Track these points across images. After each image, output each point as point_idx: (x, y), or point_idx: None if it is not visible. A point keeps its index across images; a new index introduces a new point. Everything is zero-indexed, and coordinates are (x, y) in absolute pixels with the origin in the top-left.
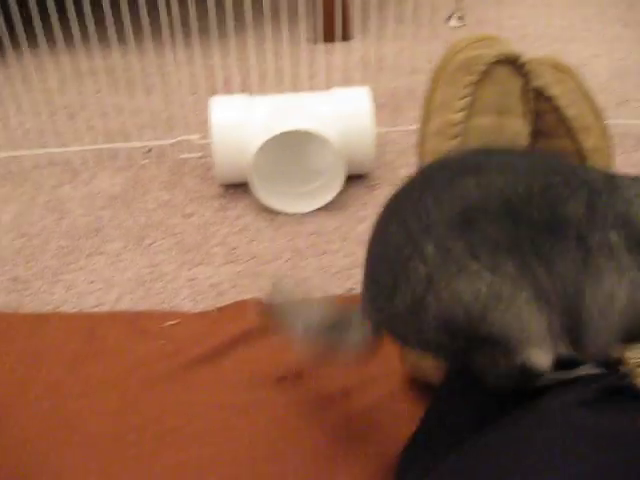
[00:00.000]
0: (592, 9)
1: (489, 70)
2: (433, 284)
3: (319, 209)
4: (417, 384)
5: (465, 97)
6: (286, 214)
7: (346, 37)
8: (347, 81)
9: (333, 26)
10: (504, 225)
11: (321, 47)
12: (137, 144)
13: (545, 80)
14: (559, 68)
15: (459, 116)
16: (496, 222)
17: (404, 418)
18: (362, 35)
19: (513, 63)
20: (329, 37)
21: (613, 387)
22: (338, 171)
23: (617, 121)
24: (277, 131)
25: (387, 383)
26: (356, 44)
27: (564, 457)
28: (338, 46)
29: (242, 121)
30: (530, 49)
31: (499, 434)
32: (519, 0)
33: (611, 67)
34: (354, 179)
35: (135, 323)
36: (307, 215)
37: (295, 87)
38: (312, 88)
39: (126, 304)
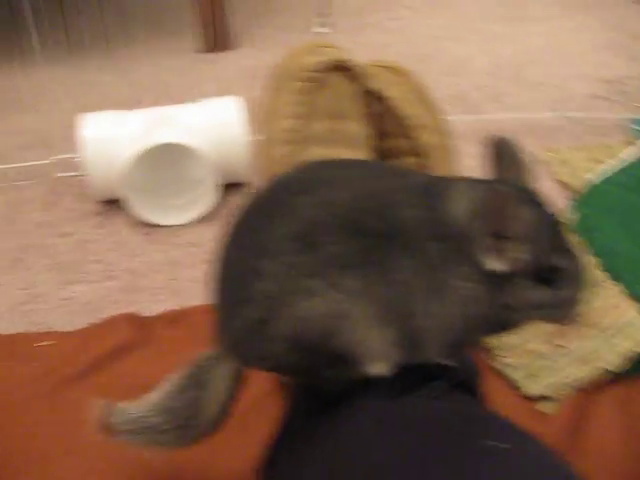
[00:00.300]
0: (473, 7)
1: (322, 77)
2: (274, 304)
3: (197, 220)
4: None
5: (299, 104)
6: (163, 227)
7: (230, 47)
8: (229, 90)
9: (215, 37)
10: (342, 239)
11: (206, 57)
12: (14, 165)
13: (381, 83)
14: (396, 71)
15: (294, 123)
16: (335, 237)
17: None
18: (249, 44)
19: (346, 69)
20: (213, 47)
21: (426, 374)
22: (212, 182)
23: (490, 116)
24: (146, 145)
25: (262, 384)
26: (241, 53)
27: (366, 449)
28: (223, 56)
29: (112, 137)
30: (409, 50)
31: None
32: (400, 2)
33: (487, 64)
34: (232, 188)
35: (9, 346)
36: (184, 227)
37: (180, 99)
38: (194, 99)
39: (1, 328)
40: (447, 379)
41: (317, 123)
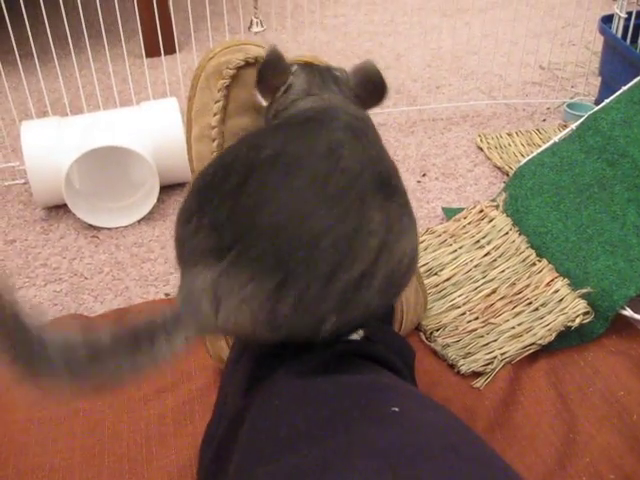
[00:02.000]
0: (412, 1)
1: (239, 73)
2: (377, 255)
3: (140, 220)
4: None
5: (219, 100)
6: (108, 229)
7: (171, 50)
8: (175, 93)
9: (157, 41)
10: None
11: (151, 62)
12: None
13: None
14: (315, 62)
15: (216, 119)
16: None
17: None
18: (192, 47)
19: None
20: (157, 51)
21: (344, 351)
22: (153, 182)
23: (429, 106)
24: (87, 149)
25: (201, 377)
26: (184, 56)
27: (277, 424)
28: (168, 59)
29: (53, 143)
30: (351, 46)
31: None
32: (344, 0)
33: (426, 56)
34: (175, 187)
35: None
36: (128, 228)
37: (125, 104)
38: (139, 102)
39: None
40: (363, 357)
41: (239, 119)
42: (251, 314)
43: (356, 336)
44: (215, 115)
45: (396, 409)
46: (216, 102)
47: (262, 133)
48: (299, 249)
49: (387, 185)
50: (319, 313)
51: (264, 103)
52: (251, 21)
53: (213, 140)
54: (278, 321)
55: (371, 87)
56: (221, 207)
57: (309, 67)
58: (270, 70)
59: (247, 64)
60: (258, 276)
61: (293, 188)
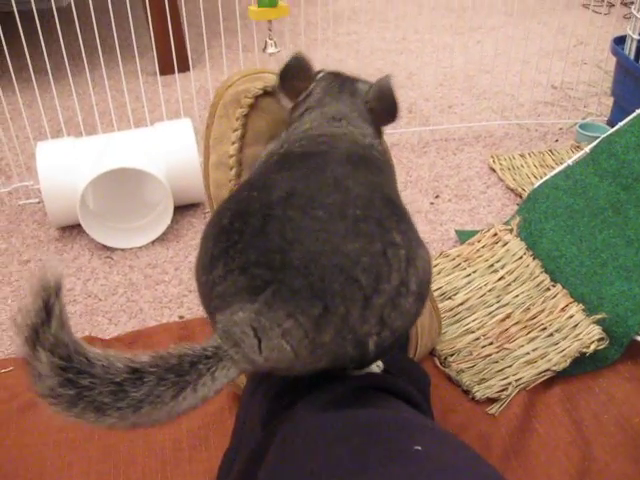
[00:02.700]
0: (424, 20)
1: (257, 102)
2: (407, 265)
3: (154, 241)
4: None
5: (237, 129)
6: (122, 250)
7: (185, 68)
8: (188, 112)
9: (171, 58)
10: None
11: (165, 80)
12: None
13: None
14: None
15: (234, 147)
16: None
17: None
18: (205, 65)
19: None
20: (171, 69)
21: (363, 385)
22: (167, 203)
23: (441, 127)
24: (101, 170)
25: (215, 402)
26: (197, 74)
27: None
28: (182, 77)
29: (69, 164)
30: (363, 64)
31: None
32: (355, 17)
33: (438, 75)
34: (189, 208)
35: None
36: (142, 248)
37: (139, 122)
38: (152, 122)
39: None
40: (382, 390)
41: (256, 147)
42: (292, 348)
43: (376, 369)
44: (233, 144)
45: (419, 448)
46: (234, 131)
47: (265, 173)
48: (334, 279)
49: (397, 207)
50: (361, 334)
51: (288, 106)
52: (265, 42)
53: (231, 168)
54: (319, 351)
55: (384, 104)
56: (248, 250)
57: (334, 76)
58: (295, 74)
59: (265, 93)
60: (296, 312)
61: (315, 223)
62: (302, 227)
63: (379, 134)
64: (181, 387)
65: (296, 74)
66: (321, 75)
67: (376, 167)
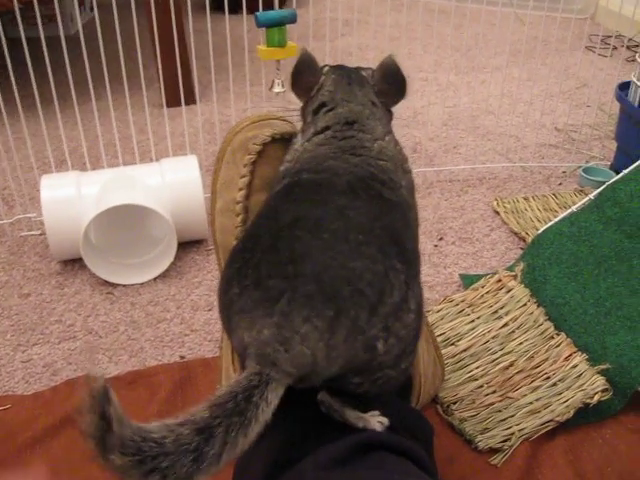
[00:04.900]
0: (428, 58)
1: (265, 149)
2: (406, 285)
3: (156, 278)
4: None
5: (245, 176)
6: (124, 286)
7: (191, 101)
8: (193, 145)
9: (178, 91)
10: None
11: (171, 112)
12: None
13: None
14: None
15: (241, 194)
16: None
17: None
18: (212, 98)
19: (288, 140)
20: (178, 102)
21: (367, 442)
22: (171, 239)
23: (445, 167)
24: (106, 206)
25: None
26: (203, 107)
27: None
28: (188, 109)
29: (73, 197)
30: None
31: None
32: (361, 54)
33: (443, 114)
34: (192, 245)
35: None
36: (144, 285)
37: (144, 154)
38: (157, 154)
39: None
40: (387, 448)
41: (263, 194)
42: (312, 352)
43: (380, 426)
44: (240, 190)
45: None
46: (242, 177)
47: (273, 204)
48: (344, 287)
49: (398, 241)
50: (370, 337)
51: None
52: (273, 81)
53: (237, 215)
54: (334, 354)
55: (392, 82)
56: (260, 266)
57: (339, 68)
58: (303, 71)
59: (273, 140)
60: (311, 315)
61: (321, 243)
62: (310, 245)
63: (390, 117)
64: (247, 424)
65: (305, 70)
66: (327, 68)
67: (376, 192)
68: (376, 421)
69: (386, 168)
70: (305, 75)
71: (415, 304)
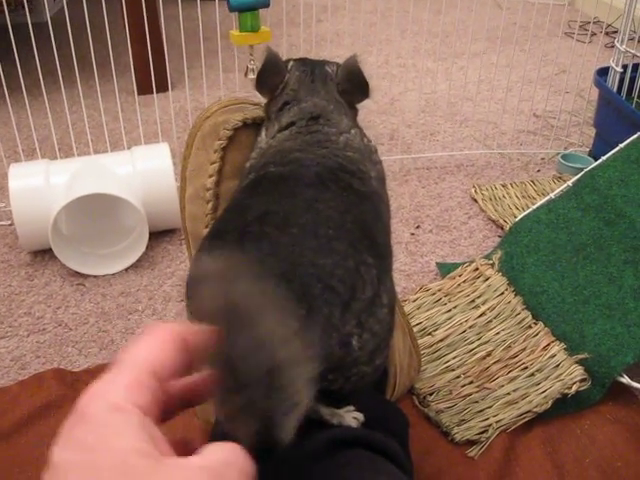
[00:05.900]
0: (407, 44)
1: (236, 134)
2: (378, 281)
3: (128, 268)
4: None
5: (215, 162)
6: (95, 276)
7: (164, 88)
8: (166, 133)
9: (150, 78)
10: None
11: (143, 99)
12: None
13: None
14: None
15: (211, 181)
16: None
17: None
18: (184, 85)
19: (260, 125)
20: (150, 89)
21: (341, 438)
22: (142, 229)
23: (423, 155)
24: (75, 195)
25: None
26: (176, 95)
27: None
28: (160, 97)
29: (41, 187)
30: None
31: None
32: (338, 40)
33: (421, 101)
34: (164, 234)
35: None
36: (116, 275)
37: (115, 142)
38: (130, 142)
39: None
40: (361, 445)
41: (233, 181)
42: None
43: (355, 422)
44: (210, 177)
45: None
46: (212, 163)
47: (240, 197)
48: (314, 285)
49: (369, 235)
50: (344, 333)
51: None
52: (247, 67)
53: (207, 202)
54: (310, 352)
55: (355, 84)
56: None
57: (303, 64)
58: (269, 71)
59: (245, 125)
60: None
61: (289, 239)
62: (278, 242)
63: (355, 114)
64: None
65: (270, 70)
66: (291, 64)
67: (346, 184)
68: (351, 417)
69: (354, 159)
70: (270, 75)
71: (388, 299)
